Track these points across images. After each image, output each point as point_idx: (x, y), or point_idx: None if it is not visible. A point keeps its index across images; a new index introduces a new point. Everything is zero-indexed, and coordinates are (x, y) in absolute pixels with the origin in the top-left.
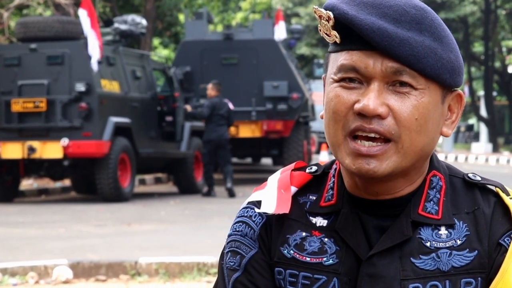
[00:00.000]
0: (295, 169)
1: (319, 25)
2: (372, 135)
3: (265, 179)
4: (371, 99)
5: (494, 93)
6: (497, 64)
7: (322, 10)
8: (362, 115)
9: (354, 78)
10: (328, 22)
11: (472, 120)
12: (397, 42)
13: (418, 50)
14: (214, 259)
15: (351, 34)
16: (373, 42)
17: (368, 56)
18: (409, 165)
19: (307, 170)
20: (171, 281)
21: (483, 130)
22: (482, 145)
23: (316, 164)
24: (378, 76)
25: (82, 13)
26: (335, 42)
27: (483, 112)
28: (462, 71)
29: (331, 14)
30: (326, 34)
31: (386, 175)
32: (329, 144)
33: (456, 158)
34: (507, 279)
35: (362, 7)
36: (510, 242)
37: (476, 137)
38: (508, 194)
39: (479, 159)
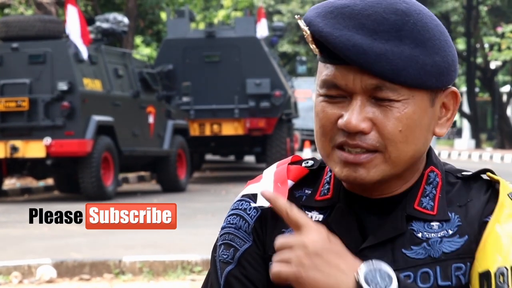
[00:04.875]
0: (291, 163)
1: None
2: (358, 150)
3: (248, 177)
4: (353, 115)
5: (477, 89)
6: (479, 60)
7: (302, 23)
8: (345, 130)
9: (336, 95)
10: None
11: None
12: (373, 58)
13: (397, 63)
14: (198, 257)
15: (328, 50)
16: (348, 60)
17: (348, 70)
18: (400, 172)
19: (304, 164)
20: (155, 279)
21: (466, 126)
22: (465, 141)
23: (313, 158)
24: (359, 92)
25: (71, 9)
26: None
27: (466, 108)
28: (454, 68)
29: (307, 30)
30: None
31: (374, 182)
32: (320, 154)
33: (439, 155)
34: (489, 243)
35: (340, 19)
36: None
37: (458, 133)
38: (497, 180)
39: (462, 155)
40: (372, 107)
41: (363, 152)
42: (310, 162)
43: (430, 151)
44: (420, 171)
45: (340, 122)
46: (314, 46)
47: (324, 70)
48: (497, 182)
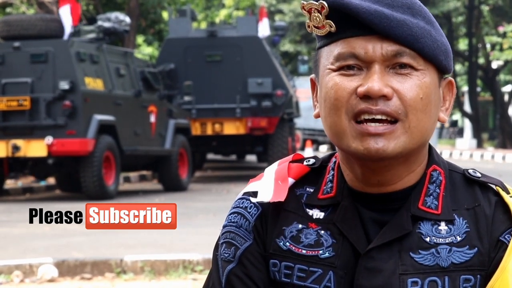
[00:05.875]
0: (292, 161)
1: (307, 20)
2: (379, 116)
3: (250, 176)
4: (375, 80)
5: (478, 89)
6: (481, 59)
7: (313, 1)
8: (367, 98)
9: (353, 65)
10: (321, 13)
11: (456, 116)
12: (395, 23)
13: (416, 31)
14: (200, 256)
15: (345, 22)
16: (371, 25)
17: (367, 41)
18: (415, 146)
19: (305, 163)
20: (157, 278)
21: (467, 125)
22: (467, 141)
23: (314, 157)
24: (378, 60)
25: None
26: (328, 34)
27: (467, 107)
28: (451, 57)
29: (324, 3)
30: (316, 27)
31: (394, 156)
32: (331, 135)
33: (440, 154)
34: (506, 277)
35: None
36: (510, 239)
37: (460, 133)
38: (508, 192)
39: (463, 155)
40: (391, 76)
41: (383, 124)
42: (312, 161)
43: (431, 150)
44: (422, 166)
45: (361, 89)
46: (329, 21)
47: (336, 47)
48: (508, 193)
